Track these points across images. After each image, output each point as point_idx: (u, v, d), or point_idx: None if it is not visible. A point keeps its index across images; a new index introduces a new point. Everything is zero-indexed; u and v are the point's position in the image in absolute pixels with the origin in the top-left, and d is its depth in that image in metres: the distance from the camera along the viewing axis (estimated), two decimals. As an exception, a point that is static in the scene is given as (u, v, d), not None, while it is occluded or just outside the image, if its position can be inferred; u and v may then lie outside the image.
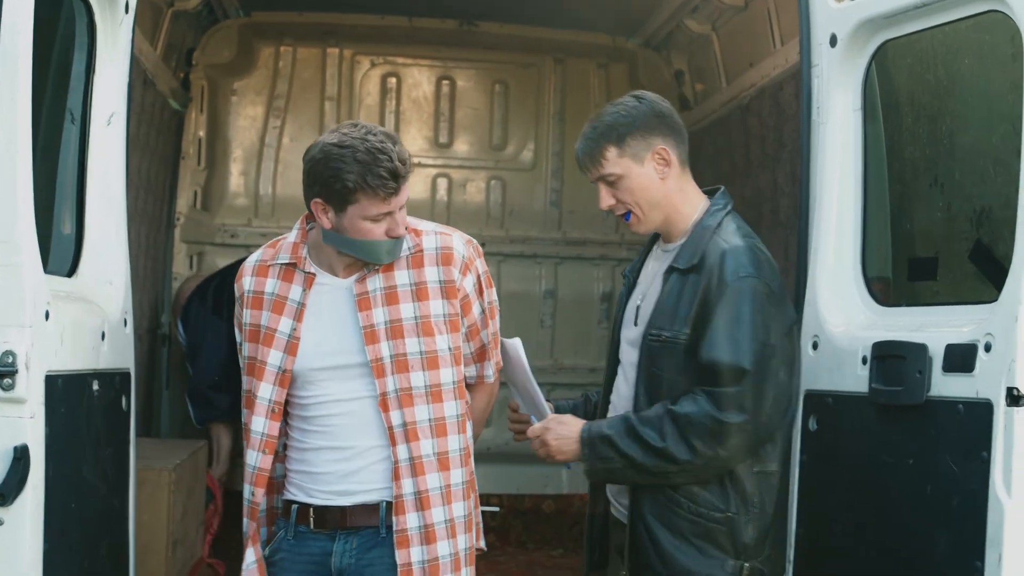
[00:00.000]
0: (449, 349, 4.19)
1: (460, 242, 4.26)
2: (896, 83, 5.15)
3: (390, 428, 4.14)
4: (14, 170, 3.85)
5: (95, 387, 4.41)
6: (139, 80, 6.66)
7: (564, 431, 4.27)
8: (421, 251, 4.22)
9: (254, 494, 4.24)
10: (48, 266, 4.14)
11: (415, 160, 8.87)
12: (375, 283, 4.19)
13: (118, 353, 4.63)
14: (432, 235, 4.25)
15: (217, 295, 8.05)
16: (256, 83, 8.91)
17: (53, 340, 4.02)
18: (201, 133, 8.72)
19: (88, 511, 4.41)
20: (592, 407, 4.58)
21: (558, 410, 4.51)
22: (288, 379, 4.21)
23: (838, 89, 5.01)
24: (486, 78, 9.09)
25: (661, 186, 4.21)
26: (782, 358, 4.05)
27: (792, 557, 4.59)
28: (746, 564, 4.14)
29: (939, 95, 5.06)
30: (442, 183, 9.09)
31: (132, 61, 4.81)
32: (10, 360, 3.82)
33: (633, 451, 4.09)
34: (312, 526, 4.23)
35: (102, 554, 4.56)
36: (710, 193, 4.32)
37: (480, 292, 4.28)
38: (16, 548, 3.86)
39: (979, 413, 4.11)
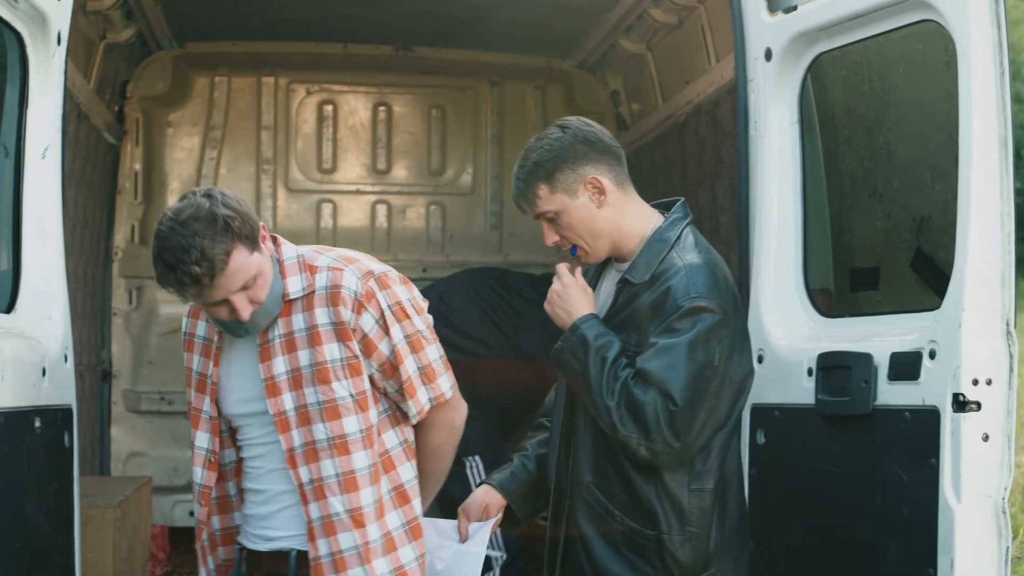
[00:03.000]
0: (351, 396, 3.92)
1: (353, 277, 3.94)
2: (832, 95, 5.18)
3: (300, 486, 3.94)
4: (-52, 206, 3.80)
5: (37, 424, 4.36)
6: (73, 113, 6.60)
7: (572, 305, 4.13)
8: (313, 291, 3.96)
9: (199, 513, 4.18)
10: (-16, 303, 4.09)
11: (354, 188, 8.94)
12: (276, 330, 3.97)
13: (59, 389, 4.58)
14: (324, 272, 3.96)
15: None
16: (191, 114, 8.84)
17: (-8, 377, 3.98)
18: (137, 166, 8.63)
19: (33, 549, 4.34)
20: (534, 466, 4.44)
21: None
22: (217, 426, 4.09)
23: (774, 103, 5.04)
24: (423, 103, 9.07)
25: (601, 214, 4.15)
26: (722, 381, 4.01)
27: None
28: None
29: (875, 106, 5.10)
30: (381, 210, 9.05)
31: (65, 94, 4.77)
32: (-50, 398, 3.76)
33: (592, 377, 3.99)
34: (245, 569, 4.13)
35: (48, 593, 4.50)
36: (666, 206, 4.27)
37: (386, 328, 3.94)
38: (-40, 589, 3.80)
39: (926, 420, 4.14)
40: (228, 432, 4.14)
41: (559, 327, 4.18)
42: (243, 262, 3.81)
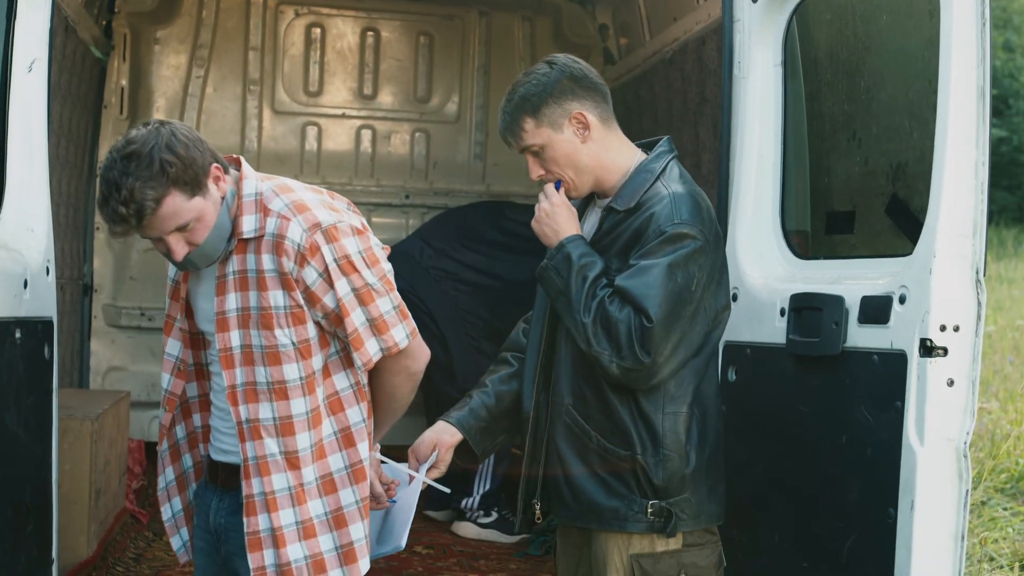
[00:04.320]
0: (293, 344, 3.88)
1: (298, 230, 3.84)
2: (816, 39, 5.21)
3: (238, 423, 3.92)
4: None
5: (17, 335, 4.39)
6: (60, 27, 6.59)
7: (559, 224, 4.17)
8: (262, 236, 3.88)
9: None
10: (-31, 213, 4.11)
11: (339, 112, 8.95)
12: (231, 265, 3.93)
13: (40, 301, 4.61)
14: (275, 218, 3.87)
15: None
16: (179, 32, 8.82)
17: (-26, 288, 4.01)
18: (123, 82, 8.62)
19: (10, 460, 4.39)
20: (494, 402, 4.43)
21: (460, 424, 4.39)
22: (187, 336, 4.12)
23: (759, 45, 5.07)
24: (411, 30, 9.07)
25: (585, 149, 4.20)
26: (697, 306, 4.07)
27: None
28: (650, 503, 4.10)
29: (858, 51, 5.12)
30: (366, 135, 9.07)
31: (53, 7, 4.77)
32: (-69, 307, 3.79)
33: (573, 295, 4.04)
34: (207, 477, 4.16)
35: (25, 503, 4.56)
36: (648, 145, 4.32)
37: (331, 282, 3.85)
38: (-62, 495, 3.85)
39: (893, 364, 4.19)
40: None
41: (546, 245, 4.24)
42: (177, 207, 3.78)
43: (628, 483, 4.13)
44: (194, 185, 3.80)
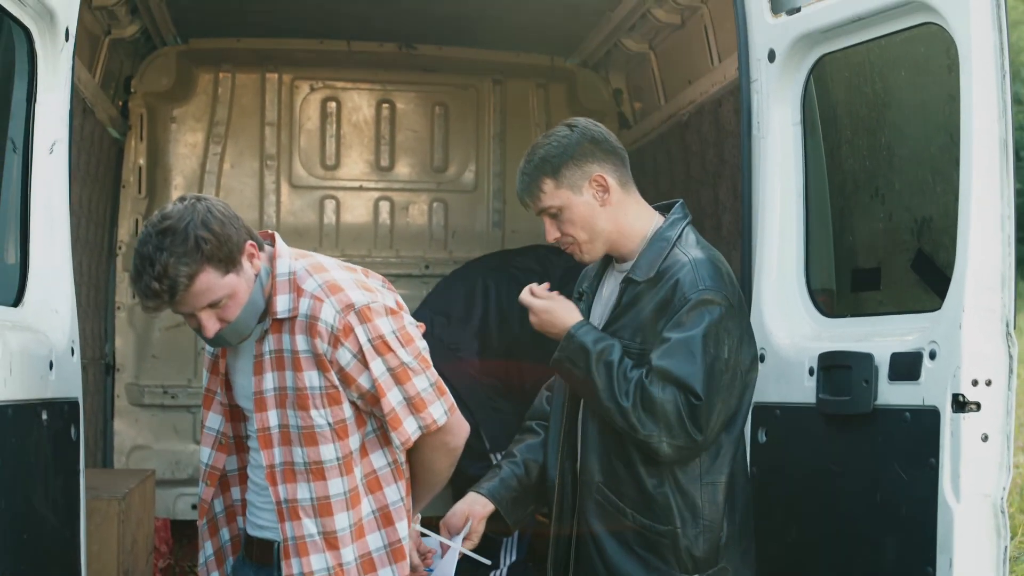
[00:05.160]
0: (329, 424, 3.88)
1: (331, 311, 3.84)
2: (834, 97, 5.20)
3: (277, 503, 3.92)
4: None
5: (44, 417, 4.37)
6: (78, 108, 6.63)
7: (559, 317, 4.16)
8: (296, 316, 3.89)
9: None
10: (-7, 296, 4.11)
11: (357, 184, 8.97)
12: (268, 344, 3.94)
13: (66, 382, 4.60)
14: (308, 299, 3.88)
15: None
16: (195, 110, 8.86)
17: (1, 370, 3.99)
18: (141, 161, 8.65)
19: (39, 542, 4.36)
20: (523, 472, 4.43)
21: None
22: (227, 409, 4.12)
23: (777, 104, 5.07)
24: (426, 100, 9.10)
25: (603, 212, 4.19)
26: (733, 373, 4.05)
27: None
28: None
29: (877, 107, 5.12)
30: (384, 206, 9.08)
31: (72, 88, 4.79)
32: (-41, 391, 3.77)
33: (599, 382, 4.01)
34: (244, 553, 4.15)
35: (53, 585, 4.53)
36: (665, 208, 4.31)
37: (365, 363, 3.85)
38: (-32, 581, 3.82)
39: (926, 420, 4.16)
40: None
41: (553, 339, 4.21)
42: (210, 284, 3.79)
43: (666, 558, 4.09)
44: (228, 262, 3.80)
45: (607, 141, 4.23)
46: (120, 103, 8.27)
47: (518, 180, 4.27)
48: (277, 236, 4.04)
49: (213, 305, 3.82)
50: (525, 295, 4.25)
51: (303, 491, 3.89)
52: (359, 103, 9.04)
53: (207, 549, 4.24)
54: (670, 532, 4.08)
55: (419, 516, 4.21)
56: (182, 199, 3.86)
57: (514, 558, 7.66)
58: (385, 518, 3.98)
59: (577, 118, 4.31)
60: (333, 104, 8.99)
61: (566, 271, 7.42)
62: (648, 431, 3.99)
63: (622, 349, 4.08)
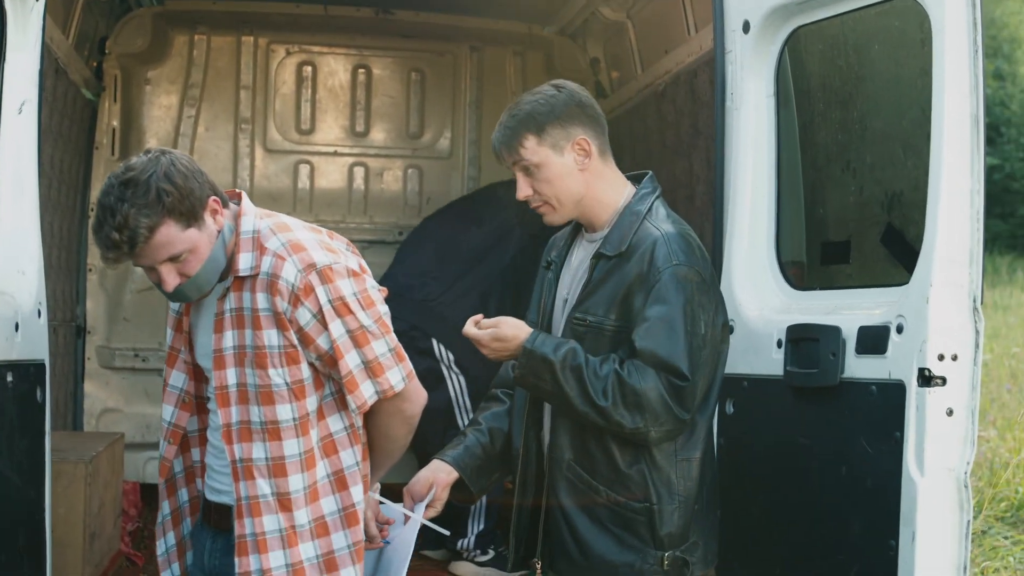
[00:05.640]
0: (286, 384, 3.86)
1: (293, 270, 3.82)
2: (808, 69, 5.20)
3: (232, 462, 3.90)
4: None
5: (9, 379, 4.36)
6: (51, 69, 6.58)
7: (509, 338, 4.10)
8: (257, 274, 3.87)
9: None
10: (-41, 257, 4.08)
11: (332, 149, 8.94)
12: (229, 302, 3.92)
13: (32, 344, 4.58)
14: (270, 257, 3.86)
15: None
16: (170, 72, 8.80)
17: (-35, 331, 3.98)
18: (115, 123, 8.60)
19: (3, 504, 4.36)
20: (488, 440, 4.40)
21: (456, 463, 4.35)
22: (191, 367, 4.10)
23: (751, 75, 5.06)
24: (402, 66, 9.06)
25: (580, 177, 4.16)
26: (710, 348, 4.04)
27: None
28: (666, 554, 4.08)
29: (851, 81, 5.12)
30: (359, 172, 9.05)
31: (43, 49, 4.76)
32: (-78, 352, 3.76)
33: (570, 389, 3.98)
34: (202, 517, 4.14)
35: (18, 548, 4.52)
36: (635, 179, 4.30)
37: (325, 323, 3.83)
38: (-70, 542, 3.81)
39: (892, 394, 4.18)
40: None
41: (509, 359, 4.18)
42: (171, 237, 3.77)
43: (641, 535, 4.08)
44: (190, 216, 3.79)
45: (592, 107, 4.22)
46: (94, 64, 8.21)
47: (497, 131, 4.20)
48: (244, 195, 4.02)
49: (173, 259, 3.80)
50: (469, 328, 4.19)
51: (258, 450, 3.87)
52: (335, 68, 9.00)
53: (164, 509, 4.22)
54: (645, 509, 4.07)
55: (378, 485, 4.19)
56: (147, 152, 3.84)
57: (482, 527, 7.66)
58: (340, 482, 3.96)
59: (564, 80, 4.28)
60: (309, 68, 8.95)
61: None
62: (635, 424, 3.98)
63: (581, 348, 4.06)
